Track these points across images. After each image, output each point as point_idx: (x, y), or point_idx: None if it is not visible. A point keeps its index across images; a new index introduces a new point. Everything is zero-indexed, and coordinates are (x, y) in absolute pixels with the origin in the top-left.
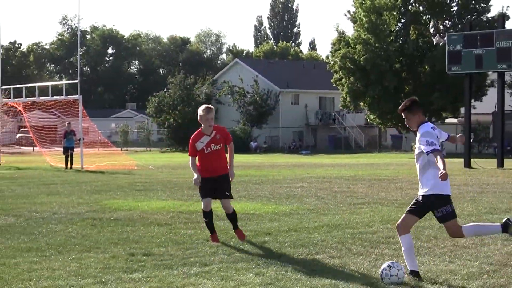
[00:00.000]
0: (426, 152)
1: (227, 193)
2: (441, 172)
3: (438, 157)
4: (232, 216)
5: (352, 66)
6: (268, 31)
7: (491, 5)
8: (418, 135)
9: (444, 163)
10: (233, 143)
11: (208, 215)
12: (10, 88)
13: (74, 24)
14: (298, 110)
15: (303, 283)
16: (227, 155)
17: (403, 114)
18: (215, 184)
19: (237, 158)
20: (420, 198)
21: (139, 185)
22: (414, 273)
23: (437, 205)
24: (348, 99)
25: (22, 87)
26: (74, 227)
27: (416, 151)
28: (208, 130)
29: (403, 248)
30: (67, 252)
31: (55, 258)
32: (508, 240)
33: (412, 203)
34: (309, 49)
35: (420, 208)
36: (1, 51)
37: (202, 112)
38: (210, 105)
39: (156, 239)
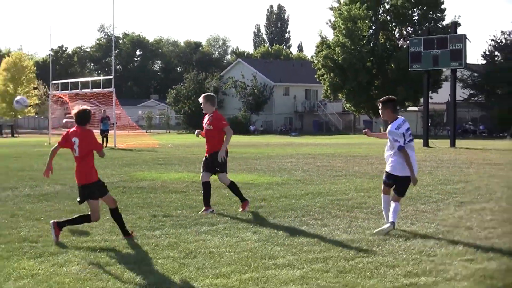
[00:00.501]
0: (398, 149)
1: (216, 168)
2: (413, 178)
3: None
4: (232, 188)
5: (332, 65)
6: (265, 36)
7: (445, 15)
8: (388, 128)
9: (411, 166)
10: (231, 128)
11: (203, 186)
12: (59, 83)
13: (110, 31)
14: (288, 100)
15: (292, 240)
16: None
17: (379, 105)
18: (207, 160)
19: (238, 138)
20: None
21: (160, 160)
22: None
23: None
24: (329, 91)
25: (68, 82)
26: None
27: (388, 141)
28: (207, 111)
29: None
30: (102, 214)
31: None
32: (459, 206)
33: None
34: (297, 51)
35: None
36: (52, 53)
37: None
38: (206, 94)
39: (173, 203)
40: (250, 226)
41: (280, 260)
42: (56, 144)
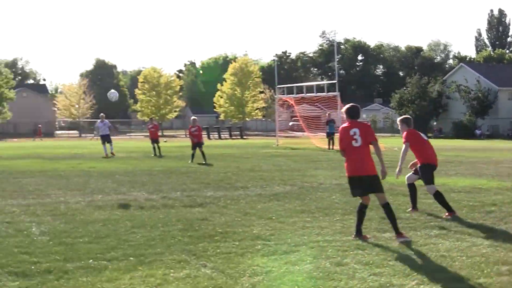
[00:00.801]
0: None
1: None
2: None
3: None
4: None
5: None
6: (486, 41)
7: None
8: None
9: None
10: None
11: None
12: (284, 87)
13: (332, 37)
14: None
15: None
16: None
17: None
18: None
19: (463, 143)
20: None
21: (387, 163)
22: None
23: None
24: None
25: (293, 86)
26: (337, 195)
27: None
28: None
29: None
30: (332, 214)
31: (323, 219)
32: None
33: None
34: None
35: None
36: (276, 58)
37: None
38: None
39: (402, 206)
40: (481, 231)
41: None
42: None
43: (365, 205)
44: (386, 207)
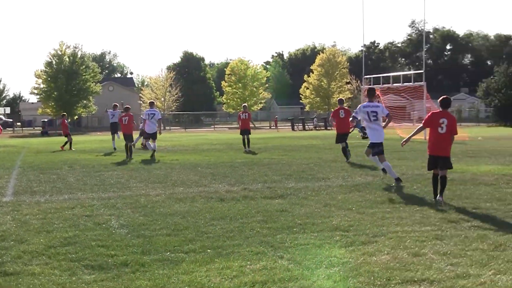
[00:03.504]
0: None
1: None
2: None
3: None
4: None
5: None
6: None
7: None
8: None
9: None
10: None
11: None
12: (371, 77)
13: (421, 27)
14: None
15: None
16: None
17: None
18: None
19: None
20: None
21: (470, 152)
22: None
23: None
24: None
25: (380, 76)
26: (418, 185)
27: None
28: None
29: None
30: (412, 205)
31: (403, 209)
32: None
33: None
34: None
35: None
36: (364, 49)
37: None
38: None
39: (483, 196)
40: None
41: None
42: (421, 125)
43: (437, 174)
44: (443, 179)
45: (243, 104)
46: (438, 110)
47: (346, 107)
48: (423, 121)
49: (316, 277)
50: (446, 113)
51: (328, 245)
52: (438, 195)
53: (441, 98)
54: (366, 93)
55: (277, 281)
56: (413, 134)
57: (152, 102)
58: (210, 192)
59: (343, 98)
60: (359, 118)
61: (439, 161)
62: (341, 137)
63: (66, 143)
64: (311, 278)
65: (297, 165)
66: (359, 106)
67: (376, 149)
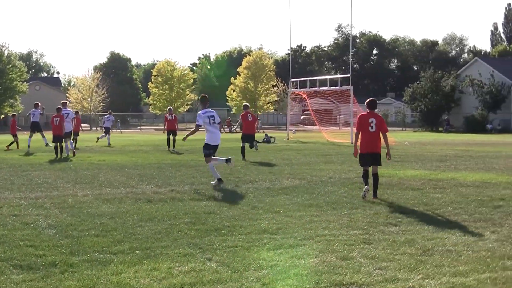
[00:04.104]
0: None
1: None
2: None
3: None
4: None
5: None
6: (502, 35)
7: None
8: None
9: None
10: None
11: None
12: (297, 81)
13: (347, 31)
14: None
15: None
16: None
17: None
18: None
19: (475, 137)
20: None
21: (397, 157)
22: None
23: None
24: None
25: (306, 80)
26: (345, 189)
27: None
28: None
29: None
30: (340, 208)
31: (331, 213)
32: None
33: None
34: None
35: None
36: (291, 52)
37: None
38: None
39: (410, 200)
40: (488, 225)
41: None
42: (356, 131)
43: (367, 171)
44: (375, 176)
45: (169, 107)
46: (366, 112)
47: (252, 112)
48: (355, 127)
49: (244, 280)
50: (374, 113)
51: (257, 247)
52: (373, 196)
53: (368, 100)
54: (199, 102)
55: (206, 283)
56: (356, 142)
57: (65, 102)
58: (137, 193)
59: (248, 104)
60: (201, 123)
61: (371, 158)
62: (247, 137)
63: (12, 142)
64: (239, 280)
65: (224, 167)
66: (198, 113)
67: (207, 151)
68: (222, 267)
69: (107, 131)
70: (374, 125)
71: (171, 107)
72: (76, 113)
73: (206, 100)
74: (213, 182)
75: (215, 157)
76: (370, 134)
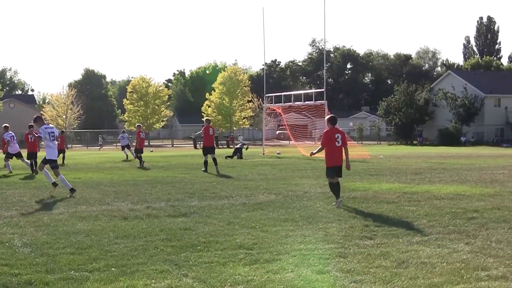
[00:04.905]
0: None
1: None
2: None
3: None
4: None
5: None
6: (475, 48)
7: None
8: None
9: None
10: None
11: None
12: (272, 96)
13: (321, 46)
14: (499, 111)
15: (505, 251)
16: None
17: None
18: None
19: (449, 149)
20: None
21: (372, 170)
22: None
23: None
24: None
25: (281, 95)
26: (321, 203)
27: None
28: None
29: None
30: (315, 223)
31: (306, 227)
32: None
33: None
34: (508, 62)
35: None
36: (265, 67)
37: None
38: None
39: (385, 213)
40: (462, 237)
41: (493, 271)
42: (321, 146)
43: (335, 182)
44: (338, 185)
45: (137, 124)
46: (330, 128)
47: (213, 127)
48: (323, 141)
49: None
50: (338, 129)
51: (232, 263)
52: (339, 199)
53: (329, 116)
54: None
55: None
56: (318, 151)
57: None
58: (113, 210)
59: (209, 118)
60: (42, 137)
61: (337, 170)
62: (208, 150)
63: None
64: None
65: (200, 183)
66: (41, 127)
67: (53, 164)
68: (199, 283)
69: (124, 148)
70: (340, 140)
71: (139, 124)
72: (62, 132)
73: (40, 120)
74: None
75: (47, 171)
76: (337, 148)
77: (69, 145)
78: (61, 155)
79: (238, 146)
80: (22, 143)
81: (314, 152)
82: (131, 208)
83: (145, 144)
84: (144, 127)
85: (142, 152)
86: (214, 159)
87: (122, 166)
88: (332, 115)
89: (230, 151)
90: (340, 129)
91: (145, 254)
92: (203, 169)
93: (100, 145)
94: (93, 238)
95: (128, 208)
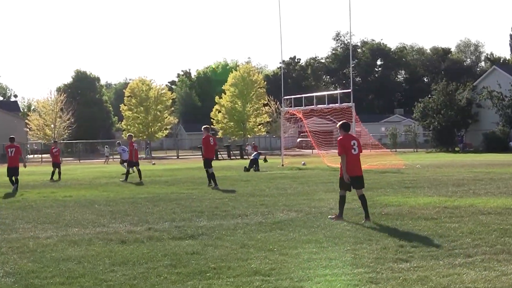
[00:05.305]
0: None
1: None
2: None
3: None
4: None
5: None
6: None
7: None
8: None
9: None
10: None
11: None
12: (291, 98)
13: (347, 40)
14: None
15: None
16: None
17: None
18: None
19: (495, 156)
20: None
21: (407, 182)
22: None
23: None
24: None
25: (302, 97)
26: (349, 221)
27: None
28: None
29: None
30: (342, 244)
31: (332, 249)
32: None
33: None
34: None
35: None
36: (283, 65)
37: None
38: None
39: (423, 232)
40: (511, 258)
41: None
42: (341, 155)
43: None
44: (363, 198)
45: (128, 134)
46: (346, 135)
47: (213, 136)
48: (339, 151)
49: None
50: (352, 135)
51: None
52: (366, 218)
53: (341, 123)
54: None
55: None
56: (345, 166)
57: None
58: (109, 233)
59: (208, 126)
60: None
61: (355, 181)
62: (209, 162)
63: None
64: None
65: (210, 200)
66: None
67: None
68: None
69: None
70: (356, 147)
71: (131, 134)
72: (55, 142)
73: None
74: None
75: None
76: (354, 156)
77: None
78: (56, 169)
79: (252, 157)
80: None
81: (344, 168)
82: (130, 230)
83: (147, 156)
84: (144, 137)
85: (138, 165)
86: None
87: (120, 182)
88: (344, 121)
89: (244, 162)
90: (355, 135)
91: (147, 283)
92: (211, 185)
93: (106, 157)
94: (86, 266)
95: (127, 230)
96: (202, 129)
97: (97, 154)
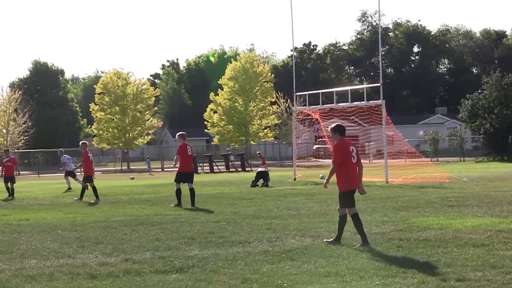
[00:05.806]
0: None
1: None
2: None
3: None
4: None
5: None
6: None
7: None
8: None
9: None
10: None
11: None
12: (306, 95)
13: (375, 21)
14: None
15: None
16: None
17: None
18: None
19: None
20: None
21: (452, 200)
22: None
23: None
24: None
25: (319, 93)
26: (378, 249)
27: None
28: None
29: None
30: (370, 277)
31: (356, 284)
32: None
33: None
34: None
35: None
36: (295, 54)
37: None
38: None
39: (471, 262)
40: None
41: None
42: (334, 164)
43: (353, 213)
44: (356, 217)
45: (82, 142)
46: (343, 139)
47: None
48: (337, 158)
49: None
50: (350, 141)
51: None
52: (362, 244)
53: (335, 125)
54: None
55: None
56: (331, 175)
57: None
58: (76, 265)
59: (184, 133)
60: None
61: (353, 195)
62: (185, 177)
63: None
64: None
65: (202, 223)
66: None
67: None
68: None
69: (72, 174)
70: (355, 154)
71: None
72: (6, 151)
73: None
74: None
75: None
76: (353, 165)
77: (15, 172)
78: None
79: (260, 169)
80: None
81: (327, 177)
82: (102, 262)
83: (124, 167)
84: (121, 144)
85: (92, 180)
86: (192, 190)
87: (89, 201)
88: (337, 123)
89: (248, 176)
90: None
91: None
92: (173, 204)
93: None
94: None
95: (98, 262)
96: (176, 136)
97: (60, 166)
